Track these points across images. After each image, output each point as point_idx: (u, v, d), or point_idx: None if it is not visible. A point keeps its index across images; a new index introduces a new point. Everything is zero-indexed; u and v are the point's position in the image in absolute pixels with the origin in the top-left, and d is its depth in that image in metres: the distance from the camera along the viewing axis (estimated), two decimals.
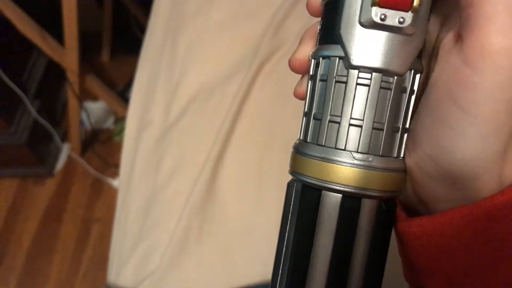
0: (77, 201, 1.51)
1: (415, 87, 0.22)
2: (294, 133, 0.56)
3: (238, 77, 0.60)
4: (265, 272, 0.49)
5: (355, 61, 0.20)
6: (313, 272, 0.22)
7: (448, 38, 0.20)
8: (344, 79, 0.21)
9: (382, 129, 0.21)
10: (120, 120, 1.59)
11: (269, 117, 0.58)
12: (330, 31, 0.22)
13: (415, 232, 0.22)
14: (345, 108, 0.21)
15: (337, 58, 0.21)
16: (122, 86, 1.69)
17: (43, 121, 1.40)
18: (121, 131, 1.57)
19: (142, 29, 1.59)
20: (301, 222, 0.22)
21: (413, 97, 0.22)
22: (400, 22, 0.20)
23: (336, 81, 0.21)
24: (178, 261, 0.50)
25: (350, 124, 0.21)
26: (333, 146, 0.21)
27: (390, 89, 0.21)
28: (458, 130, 0.19)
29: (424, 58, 0.23)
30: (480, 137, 0.19)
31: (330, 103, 0.21)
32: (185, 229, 0.51)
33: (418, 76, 0.22)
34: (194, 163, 0.55)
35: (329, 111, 0.21)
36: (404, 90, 0.21)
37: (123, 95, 1.62)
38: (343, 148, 0.21)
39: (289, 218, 0.23)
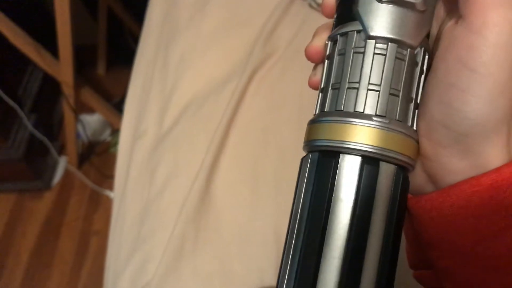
0: (75, 214, 1.50)
1: (425, 66, 0.23)
2: (288, 139, 0.57)
3: (231, 84, 0.60)
4: (262, 279, 0.49)
5: (372, 31, 0.22)
6: (331, 241, 0.21)
7: (450, 23, 0.22)
8: (362, 49, 0.22)
9: (398, 96, 0.22)
10: (117, 132, 1.59)
11: (262, 124, 0.58)
12: (348, 11, 0.23)
13: (424, 206, 0.22)
14: (363, 75, 0.22)
15: (355, 32, 0.22)
16: (118, 98, 1.69)
17: (39, 135, 1.40)
18: (117, 143, 1.57)
19: (137, 41, 1.59)
20: (318, 188, 0.22)
21: (423, 76, 0.23)
22: None
23: (354, 52, 0.22)
24: (174, 270, 0.49)
25: (369, 89, 0.22)
26: (352, 110, 0.22)
27: (404, 60, 0.22)
28: (470, 91, 0.20)
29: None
30: (490, 97, 0.20)
31: (349, 72, 0.22)
32: (180, 238, 0.50)
33: (427, 55, 0.23)
34: (188, 171, 0.55)
35: (347, 79, 0.22)
36: (416, 64, 0.23)
37: (120, 107, 1.62)
38: (362, 111, 0.21)
39: (304, 189, 0.22)
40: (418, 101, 0.23)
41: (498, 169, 0.21)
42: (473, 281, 0.23)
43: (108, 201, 1.50)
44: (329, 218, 0.21)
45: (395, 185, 0.22)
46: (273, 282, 0.49)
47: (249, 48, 0.63)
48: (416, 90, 0.23)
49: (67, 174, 1.59)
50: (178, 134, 0.59)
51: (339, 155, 0.21)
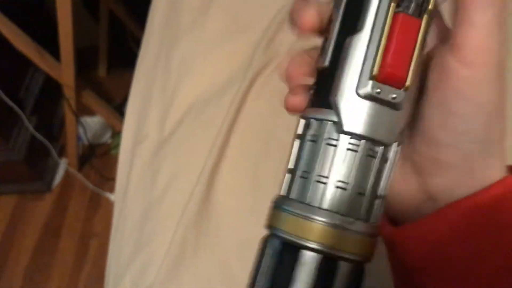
0: (75, 216, 1.51)
1: (396, 159, 0.23)
2: (289, 144, 0.56)
3: (232, 89, 0.60)
4: None
5: (347, 127, 0.21)
6: None
7: (441, 51, 0.23)
8: (335, 142, 0.22)
9: (364, 194, 0.22)
10: (117, 134, 1.59)
11: (263, 128, 0.58)
12: (324, 96, 0.23)
13: (408, 235, 0.24)
14: (333, 171, 0.22)
15: (330, 122, 0.22)
16: (119, 101, 1.69)
17: (40, 137, 1.40)
18: (118, 145, 1.57)
19: (138, 43, 1.59)
20: (277, 279, 0.22)
21: (392, 171, 0.23)
22: (393, 98, 0.21)
23: (327, 143, 0.22)
24: (175, 274, 0.50)
25: (336, 186, 0.22)
26: (317, 205, 0.22)
27: (375, 157, 0.22)
28: (471, 117, 0.22)
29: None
30: (490, 120, 0.22)
31: (318, 163, 0.22)
32: (181, 242, 0.50)
33: (399, 148, 0.23)
34: (189, 175, 0.55)
35: (316, 171, 0.22)
36: (386, 160, 0.23)
37: (120, 110, 1.62)
38: (327, 208, 0.22)
39: (263, 276, 0.23)
40: (384, 194, 0.23)
41: (474, 196, 0.22)
42: None
43: (108, 204, 1.50)
44: None
45: (350, 282, 0.22)
46: None
47: (250, 52, 0.63)
48: (383, 184, 0.23)
49: (67, 176, 1.59)
50: (180, 138, 0.59)
51: (300, 250, 0.21)
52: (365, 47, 0.21)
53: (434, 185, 0.24)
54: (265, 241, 0.23)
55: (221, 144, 0.55)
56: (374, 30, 0.21)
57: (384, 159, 0.23)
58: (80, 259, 1.41)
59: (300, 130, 0.24)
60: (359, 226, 0.22)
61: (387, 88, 0.21)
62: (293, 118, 0.59)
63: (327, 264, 0.21)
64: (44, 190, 1.55)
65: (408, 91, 0.21)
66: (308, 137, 0.23)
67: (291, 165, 0.24)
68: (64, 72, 1.19)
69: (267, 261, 0.23)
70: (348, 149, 0.22)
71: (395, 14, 0.21)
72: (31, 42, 1.14)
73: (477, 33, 0.21)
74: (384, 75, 0.21)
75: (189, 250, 0.51)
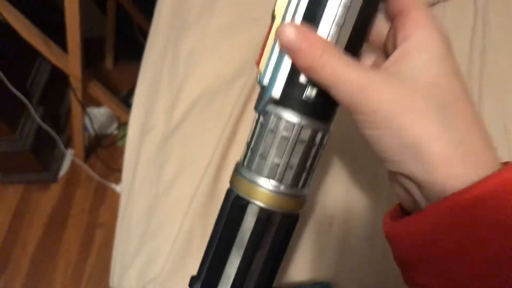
0: (81, 207, 1.51)
1: (323, 144, 0.32)
2: None
3: (240, 81, 0.60)
4: None
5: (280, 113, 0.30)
6: (229, 261, 0.32)
7: None
8: (278, 132, 0.30)
9: (293, 168, 0.31)
10: (124, 125, 1.60)
11: None
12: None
13: (399, 233, 0.27)
14: (271, 150, 0.30)
15: (273, 115, 0.30)
16: (126, 92, 1.69)
17: (47, 127, 1.41)
18: (124, 136, 1.58)
19: (145, 35, 1.59)
20: (228, 220, 0.32)
21: (319, 151, 0.32)
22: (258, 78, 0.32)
23: (269, 131, 0.31)
24: (182, 266, 0.50)
25: (273, 162, 0.31)
26: (260, 174, 0.31)
27: (304, 142, 0.30)
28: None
29: None
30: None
31: (263, 145, 0.31)
32: (188, 234, 0.50)
33: (320, 135, 0.31)
34: (197, 167, 0.55)
35: (261, 149, 0.31)
36: (314, 145, 0.31)
37: (127, 101, 1.62)
38: (266, 176, 0.31)
39: (221, 217, 0.33)
40: (313, 167, 0.32)
41: (452, 197, 0.24)
42: None
43: (114, 194, 1.51)
44: (231, 249, 0.32)
45: (278, 228, 0.32)
46: (281, 279, 0.49)
47: (258, 44, 0.62)
48: (311, 162, 0.31)
49: (73, 166, 1.59)
50: (187, 130, 0.59)
51: (247, 203, 0.31)
52: None
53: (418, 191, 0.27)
54: (227, 192, 0.33)
55: (229, 136, 0.55)
56: None
57: (310, 145, 0.31)
58: (86, 250, 1.42)
59: (257, 119, 0.32)
60: (286, 189, 0.31)
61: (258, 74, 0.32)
62: None
63: (263, 214, 0.31)
64: (50, 180, 1.55)
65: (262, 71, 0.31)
66: (260, 125, 0.32)
67: (248, 140, 0.33)
68: (71, 63, 1.19)
69: (225, 208, 0.33)
70: (282, 136, 0.30)
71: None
72: (38, 33, 1.14)
73: None
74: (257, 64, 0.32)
75: (196, 242, 0.51)
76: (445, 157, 0.24)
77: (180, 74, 0.64)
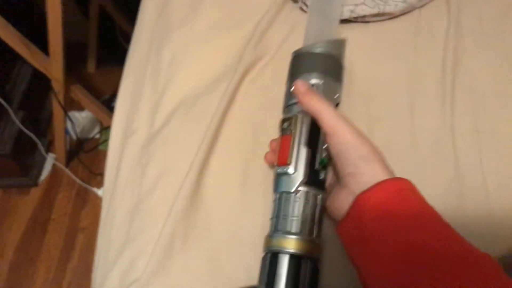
0: (62, 211, 1.50)
1: (322, 204, 0.46)
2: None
3: (222, 85, 0.61)
4: (250, 277, 0.50)
5: (276, 189, 0.48)
6: None
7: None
8: (277, 198, 0.47)
9: (306, 222, 0.45)
10: (106, 129, 1.59)
11: (253, 124, 0.59)
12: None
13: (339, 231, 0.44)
14: (289, 211, 0.45)
15: (285, 193, 0.46)
16: (108, 96, 1.69)
17: (27, 132, 1.39)
18: (106, 140, 1.57)
19: (127, 39, 1.60)
20: (268, 274, 0.44)
21: (321, 209, 0.46)
22: (283, 169, 0.46)
23: (275, 200, 0.48)
24: (164, 267, 0.50)
25: (292, 219, 0.45)
26: (285, 230, 0.45)
27: (309, 202, 0.45)
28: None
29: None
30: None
31: (282, 209, 0.46)
32: (170, 236, 0.51)
33: (320, 197, 0.46)
34: (179, 170, 0.55)
35: (282, 213, 0.46)
36: (316, 205, 0.46)
37: (109, 105, 1.62)
38: (290, 231, 0.44)
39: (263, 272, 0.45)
40: (320, 222, 0.46)
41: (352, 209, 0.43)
42: None
43: (96, 198, 1.50)
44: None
45: (303, 269, 0.43)
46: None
47: (241, 49, 0.64)
48: (318, 218, 0.46)
49: (55, 170, 1.58)
50: (169, 133, 0.59)
51: (278, 255, 0.44)
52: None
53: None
54: (263, 258, 0.46)
55: (211, 139, 0.56)
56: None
57: (315, 204, 0.46)
58: (67, 254, 1.41)
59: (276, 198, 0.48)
60: (305, 236, 0.44)
61: (282, 167, 0.47)
62: (281, 114, 0.60)
63: (294, 260, 0.43)
64: (31, 185, 1.54)
65: (292, 165, 0.46)
66: (277, 199, 0.47)
67: (271, 215, 0.48)
68: (53, 66, 1.18)
69: (267, 266, 0.44)
70: (294, 201, 0.45)
71: (279, 136, 0.49)
72: (19, 36, 1.13)
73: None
74: (279, 162, 0.47)
75: (178, 243, 0.51)
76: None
77: (163, 77, 0.65)
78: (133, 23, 0.75)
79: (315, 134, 0.47)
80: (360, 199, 0.41)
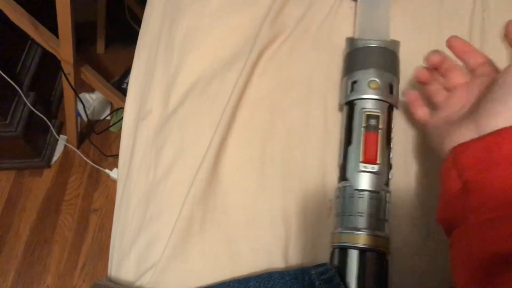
0: (74, 192, 1.51)
1: (388, 199, 0.47)
2: (296, 120, 0.56)
3: (238, 64, 0.59)
4: (270, 260, 0.49)
5: (355, 186, 0.47)
6: None
7: None
8: (352, 195, 0.47)
9: (372, 217, 0.45)
10: (116, 110, 1.58)
11: (270, 104, 0.57)
12: (345, 174, 0.49)
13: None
14: (354, 209, 0.46)
15: (348, 186, 0.47)
16: (118, 77, 1.67)
17: (38, 113, 1.39)
18: (117, 122, 1.56)
19: (136, 19, 1.57)
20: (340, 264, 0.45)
21: (387, 204, 0.47)
22: (373, 169, 0.47)
23: (349, 197, 0.47)
24: (181, 252, 0.49)
25: (358, 215, 0.45)
26: (353, 227, 0.45)
27: (373, 198, 0.46)
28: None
29: None
30: None
31: (347, 207, 0.47)
32: (188, 219, 0.50)
33: (388, 195, 0.47)
34: (195, 152, 0.54)
35: (347, 210, 0.46)
36: (382, 200, 0.46)
37: (119, 86, 1.60)
38: (356, 227, 0.45)
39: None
40: (386, 218, 0.46)
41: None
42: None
43: (108, 180, 1.50)
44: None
45: (373, 261, 0.45)
46: (281, 263, 0.49)
47: (256, 26, 0.61)
48: (383, 212, 0.46)
49: (66, 152, 1.58)
50: (184, 114, 0.58)
51: (347, 250, 0.45)
52: (355, 151, 0.48)
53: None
54: (332, 252, 0.47)
55: (228, 120, 0.54)
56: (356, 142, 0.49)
57: (380, 199, 0.46)
58: (80, 235, 1.42)
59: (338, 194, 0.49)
60: (372, 232, 0.44)
61: (369, 165, 0.47)
62: (300, 93, 0.58)
63: (363, 254, 0.44)
64: (43, 166, 1.54)
65: (379, 164, 0.47)
66: (341, 195, 0.48)
67: (336, 211, 0.49)
68: (63, 47, 1.16)
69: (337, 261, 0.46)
70: (359, 196, 0.46)
71: (365, 132, 0.48)
72: (28, 17, 1.12)
73: None
74: (366, 160, 0.47)
75: (196, 227, 0.50)
76: None
77: (175, 57, 0.63)
78: (142, 2, 0.73)
79: (390, 133, 0.50)
80: (508, 129, 0.35)
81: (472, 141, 0.37)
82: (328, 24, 0.62)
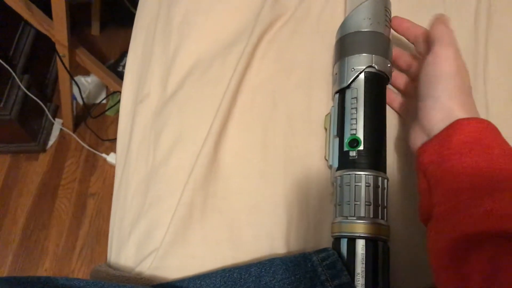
0: (71, 177, 1.50)
1: (386, 189, 0.45)
2: (298, 104, 0.55)
3: (238, 46, 0.58)
4: (271, 246, 0.48)
5: (352, 174, 0.45)
6: None
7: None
8: (349, 183, 0.45)
9: (370, 204, 0.44)
10: (112, 94, 1.56)
11: (271, 88, 0.56)
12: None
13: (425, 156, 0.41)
14: (351, 197, 0.45)
15: (348, 174, 0.46)
16: (113, 60, 1.65)
17: (33, 97, 1.37)
18: (113, 105, 1.55)
19: (132, 0, 1.55)
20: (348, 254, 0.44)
21: (385, 191, 0.45)
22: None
23: (346, 185, 0.45)
24: (182, 238, 0.49)
25: (355, 204, 0.44)
26: (353, 215, 0.44)
27: (370, 186, 0.44)
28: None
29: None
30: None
31: (344, 195, 0.45)
32: (188, 205, 0.49)
33: (386, 181, 0.46)
34: (195, 137, 0.53)
35: (345, 199, 0.45)
36: (380, 187, 0.45)
37: (115, 69, 1.58)
38: (353, 215, 0.44)
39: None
40: (385, 204, 0.45)
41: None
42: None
43: (105, 164, 1.49)
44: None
45: (374, 250, 0.43)
46: (283, 249, 0.48)
47: (257, 8, 0.60)
48: (381, 200, 0.44)
49: (62, 136, 1.57)
50: (183, 98, 0.57)
51: (348, 240, 0.44)
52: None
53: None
54: (334, 241, 0.46)
55: (228, 104, 0.53)
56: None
57: (382, 187, 0.45)
58: (77, 219, 1.41)
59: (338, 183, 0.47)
60: (369, 220, 0.43)
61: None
62: (301, 76, 0.57)
63: (369, 243, 0.43)
64: (39, 150, 1.53)
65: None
66: (339, 184, 0.47)
67: (334, 201, 0.47)
68: (57, 29, 1.14)
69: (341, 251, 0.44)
70: (356, 185, 0.45)
71: None
72: None
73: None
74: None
75: (197, 213, 0.49)
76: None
77: (174, 40, 0.61)
78: None
79: (341, 120, 0.49)
80: (458, 122, 0.38)
81: (430, 140, 0.40)
82: (330, 6, 0.60)
